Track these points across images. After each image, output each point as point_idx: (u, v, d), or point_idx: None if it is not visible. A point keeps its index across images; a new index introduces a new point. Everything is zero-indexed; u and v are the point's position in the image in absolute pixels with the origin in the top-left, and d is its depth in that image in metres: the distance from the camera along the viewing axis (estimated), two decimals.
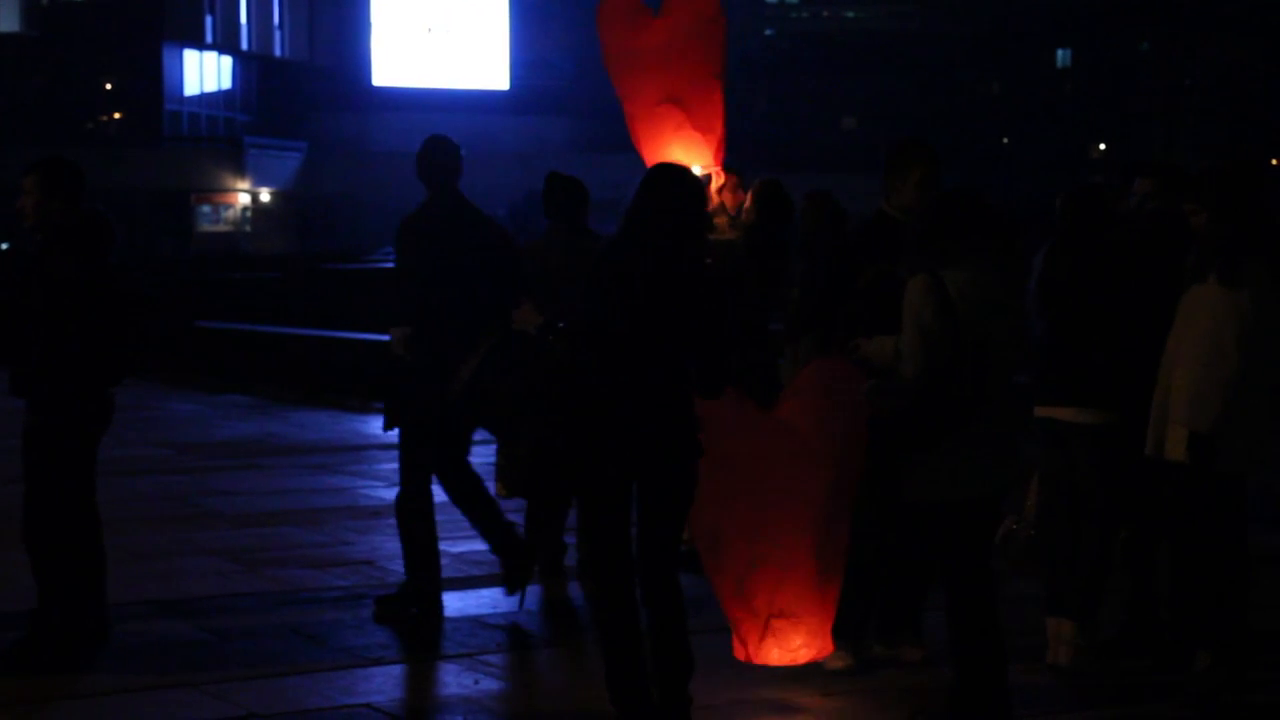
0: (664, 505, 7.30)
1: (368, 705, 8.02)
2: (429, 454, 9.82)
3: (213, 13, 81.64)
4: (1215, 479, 7.91)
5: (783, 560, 8.07)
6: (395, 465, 15.48)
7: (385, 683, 8.42)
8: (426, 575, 9.77)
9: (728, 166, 11.30)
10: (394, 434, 16.64)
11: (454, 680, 8.48)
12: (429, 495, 9.86)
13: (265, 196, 79.17)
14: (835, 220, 12.91)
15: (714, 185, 10.85)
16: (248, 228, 77.08)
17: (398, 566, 11.09)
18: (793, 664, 8.22)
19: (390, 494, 13.98)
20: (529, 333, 8.16)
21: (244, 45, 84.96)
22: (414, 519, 9.88)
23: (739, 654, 8.18)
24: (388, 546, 11.80)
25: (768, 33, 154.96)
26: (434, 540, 9.88)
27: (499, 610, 9.91)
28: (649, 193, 7.35)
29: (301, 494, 14.31)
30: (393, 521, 12.69)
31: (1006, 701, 7.38)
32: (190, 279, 37.45)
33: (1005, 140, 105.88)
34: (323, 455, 16.64)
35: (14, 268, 9.06)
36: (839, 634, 8.41)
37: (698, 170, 10.60)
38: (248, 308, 30.15)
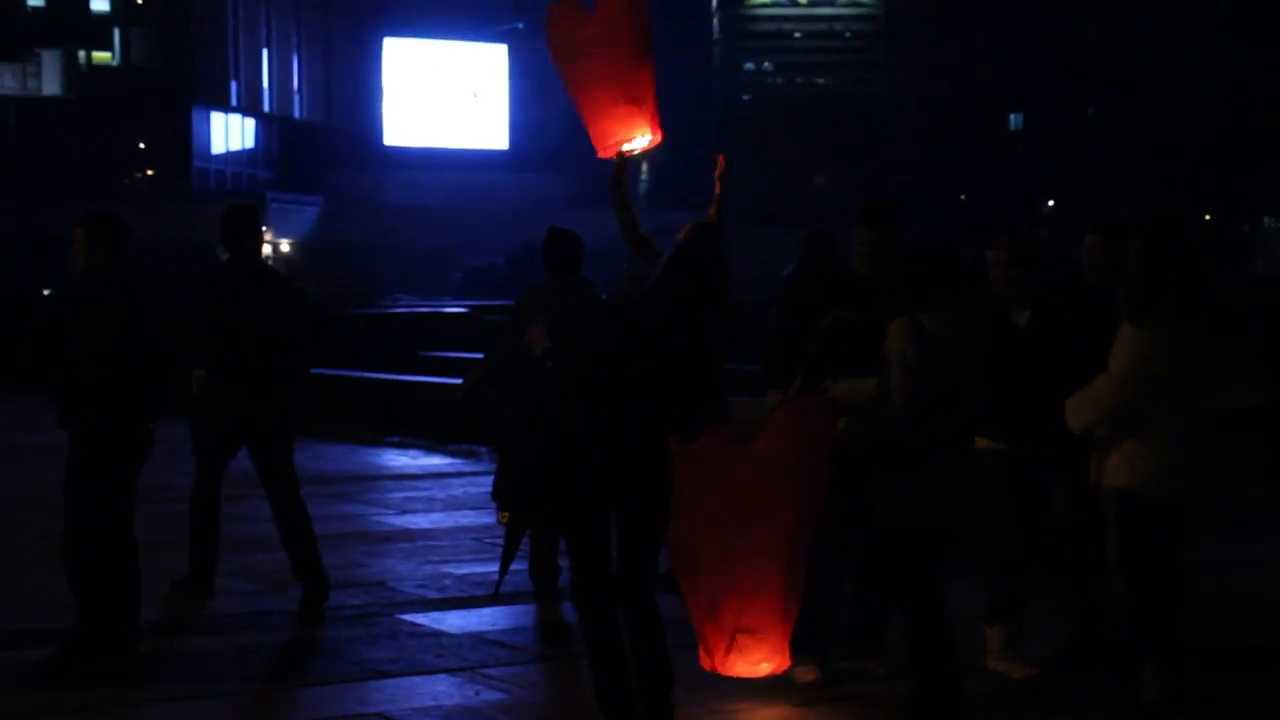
0: (640, 536, 7.39)
1: (380, 714, 8.05)
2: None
3: (237, 78, 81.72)
4: (1155, 501, 7.99)
5: (750, 583, 8.11)
6: (405, 494, 15.67)
7: (395, 693, 8.44)
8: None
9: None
10: (403, 465, 16.73)
11: (457, 691, 8.50)
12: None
13: (285, 246, 79.14)
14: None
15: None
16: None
17: (407, 587, 11.17)
18: (753, 676, 8.25)
19: (400, 521, 14.09)
20: (534, 354, 8.19)
21: (266, 108, 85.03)
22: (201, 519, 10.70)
23: (705, 664, 8.22)
24: (398, 569, 11.85)
25: (745, 98, 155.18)
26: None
27: (498, 627, 9.96)
28: (676, 268, 7.43)
29: (318, 520, 14.19)
30: (403, 545, 12.82)
31: (962, 710, 7.45)
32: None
33: (962, 197, 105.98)
34: (338, 485, 16.63)
35: (60, 311, 9.09)
36: (808, 649, 8.46)
37: (639, 141, 10.86)
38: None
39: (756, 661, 8.19)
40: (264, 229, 9.89)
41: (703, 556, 8.00)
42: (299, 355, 10.72)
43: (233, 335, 10.17)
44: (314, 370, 25.12)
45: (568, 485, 7.39)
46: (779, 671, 8.25)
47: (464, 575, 11.51)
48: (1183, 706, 7.98)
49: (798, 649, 8.43)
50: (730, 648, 8.14)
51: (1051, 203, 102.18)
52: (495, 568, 10.80)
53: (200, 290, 10.51)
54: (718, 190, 9.40)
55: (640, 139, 10.68)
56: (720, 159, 9.84)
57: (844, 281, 8.58)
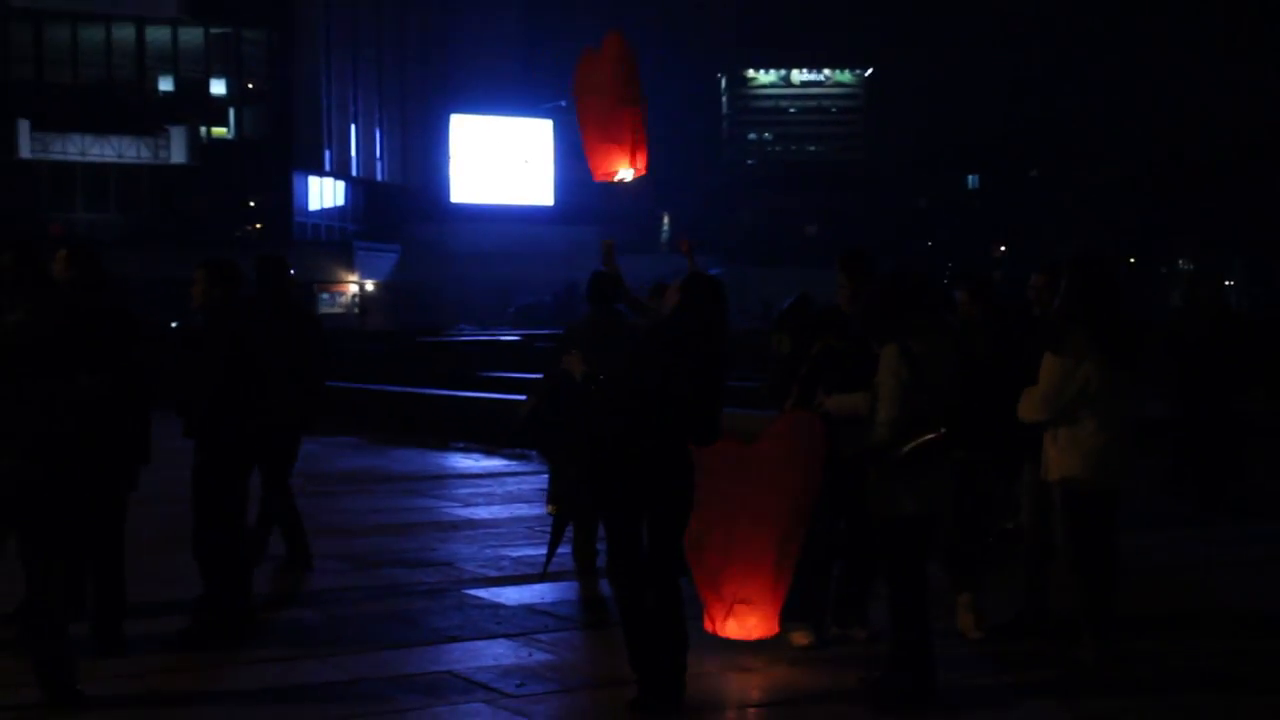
0: (666, 527, 7.37)
1: (449, 672, 8.05)
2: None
3: (330, 147, 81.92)
4: (1090, 494, 7.99)
5: (747, 561, 8.15)
6: (469, 490, 15.66)
7: (462, 655, 8.43)
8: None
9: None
10: (466, 466, 16.66)
11: (513, 653, 8.48)
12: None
13: (369, 286, 79.32)
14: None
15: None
16: (356, 310, 77.19)
17: (471, 567, 11.14)
18: (746, 638, 8.29)
19: (464, 512, 14.07)
20: (575, 380, 8.19)
21: (353, 172, 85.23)
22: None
23: (707, 627, 8.30)
24: (463, 551, 11.83)
25: (750, 162, 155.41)
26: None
27: (547, 600, 9.94)
28: (688, 298, 7.44)
29: (397, 512, 14.32)
30: (467, 532, 12.80)
31: (932, 667, 7.44)
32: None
33: (929, 243, 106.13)
34: (412, 482, 16.65)
35: (184, 341, 9.12)
36: (803, 618, 8.46)
37: (624, 174, 11.27)
38: (358, 370, 30.19)
39: (750, 627, 8.25)
40: (292, 272, 9.75)
41: (708, 538, 8.06)
42: (312, 377, 10.71)
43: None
44: (388, 389, 25.19)
45: (609, 486, 7.41)
46: (767, 636, 8.29)
47: (518, 557, 11.50)
48: (1115, 664, 7.99)
49: (794, 617, 8.47)
50: (729, 615, 8.20)
51: (1003, 248, 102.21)
52: (544, 551, 10.83)
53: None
54: (690, 263, 9.58)
55: (624, 171, 10.97)
56: (684, 244, 10.27)
57: (829, 314, 8.58)
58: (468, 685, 7.79)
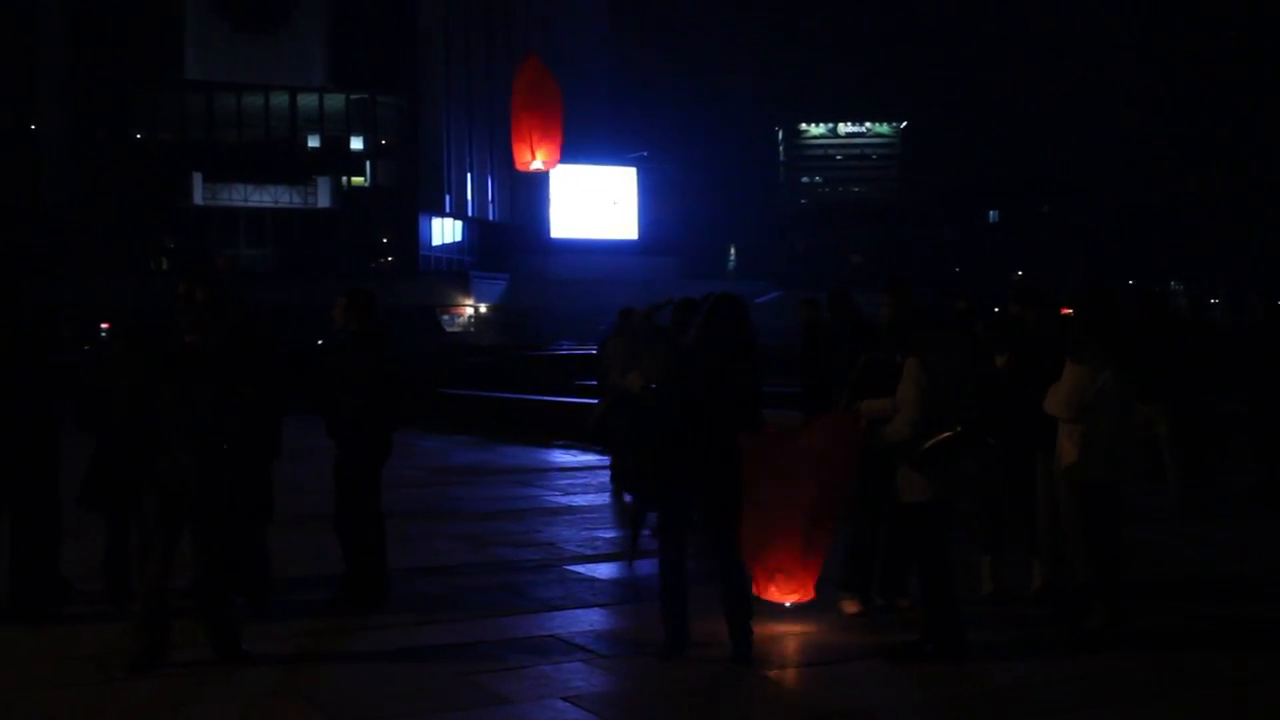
0: (722, 511, 7.46)
1: (552, 636, 8.03)
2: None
3: (450, 192, 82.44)
4: (1101, 484, 7.93)
5: (780, 537, 8.12)
6: (568, 481, 15.66)
7: (563, 622, 8.41)
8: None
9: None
10: (566, 460, 16.62)
11: (607, 621, 8.48)
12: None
13: (484, 309, 79.68)
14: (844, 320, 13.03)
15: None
16: (472, 328, 77.56)
17: (571, 547, 11.12)
18: (783, 602, 8.22)
19: (564, 500, 14.06)
20: (633, 391, 8.29)
21: (469, 212, 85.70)
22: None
23: (756, 591, 8.25)
24: (564, 533, 11.81)
25: (803, 201, 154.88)
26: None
27: (635, 576, 9.91)
28: (717, 316, 7.55)
29: (508, 499, 14.34)
30: (567, 517, 12.78)
31: (961, 629, 7.42)
32: (437, 363, 37.67)
33: (956, 269, 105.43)
34: (521, 474, 16.68)
35: (328, 358, 9.16)
36: (852, 588, 8.42)
37: (536, 164, 12.27)
38: (473, 379, 30.33)
39: (789, 593, 8.21)
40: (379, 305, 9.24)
41: (754, 519, 8.04)
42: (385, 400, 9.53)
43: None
44: (500, 395, 25.20)
45: (664, 474, 7.50)
46: (803, 601, 8.22)
47: (611, 538, 11.47)
48: (1120, 629, 7.89)
49: (845, 588, 8.40)
50: (769, 583, 8.16)
51: (1020, 273, 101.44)
52: (631, 533, 10.78)
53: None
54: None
55: (535, 162, 11.90)
56: (667, 299, 10.60)
57: (871, 331, 8.60)
58: (568, 647, 7.77)
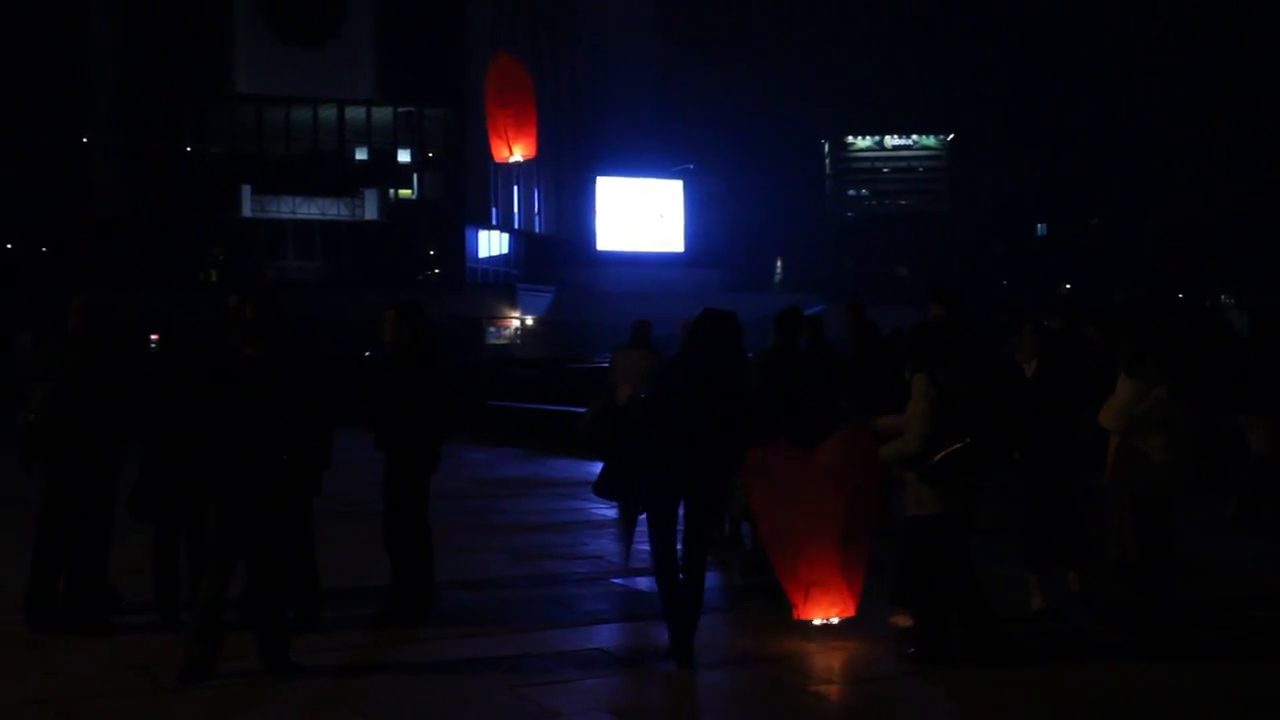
0: (702, 514, 7.77)
1: (600, 649, 8.05)
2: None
3: (496, 205, 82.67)
4: (1153, 500, 7.88)
5: (814, 549, 8.12)
6: None
7: (611, 635, 8.43)
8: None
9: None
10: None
11: (655, 634, 8.43)
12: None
13: (530, 321, 79.85)
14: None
15: None
16: (518, 341, 77.73)
17: (619, 561, 11.05)
18: (826, 620, 8.21)
19: (610, 513, 14.01)
20: (621, 402, 8.46)
21: (516, 225, 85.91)
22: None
23: (795, 615, 8.22)
24: (610, 547, 11.79)
25: (849, 214, 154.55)
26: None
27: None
28: (705, 329, 7.86)
29: (554, 512, 14.36)
30: (612, 530, 12.75)
31: (945, 639, 7.61)
32: (483, 374, 37.75)
33: (1004, 282, 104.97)
34: (567, 488, 16.69)
35: (376, 370, 9.18)
36: (904, 604, 8.39)
37: (514, 157, 12.70)
38: (519, 392, 30.37)
39: (827, 609, 8.19)
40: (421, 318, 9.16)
41: (781, 531, 8.15)
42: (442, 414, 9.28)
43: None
44: (547, 408, 25.21)
45: (651, 481, 7.77)
46: (845, 616, 8.20)
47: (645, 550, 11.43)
48: (1175, 640, 7.85)
49: (897, 602, 8.36)
50: (806, 598, 8.16)
51: (1069, 286, 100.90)
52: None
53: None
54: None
55: (513, 156, 12.30)
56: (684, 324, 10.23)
57: (885, 346, 8.78)
58: (617, 661, 7.77)
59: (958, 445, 7.43)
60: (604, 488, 8.46)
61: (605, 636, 8.37)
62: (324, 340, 10.05)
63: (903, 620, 8.29)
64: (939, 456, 7.45)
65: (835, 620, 8.27)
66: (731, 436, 7.74)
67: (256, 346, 7.45)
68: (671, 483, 7.73)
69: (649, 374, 8.43)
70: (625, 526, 10.48)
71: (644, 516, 8.18)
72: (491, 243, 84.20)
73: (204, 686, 7.14)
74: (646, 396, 8.00)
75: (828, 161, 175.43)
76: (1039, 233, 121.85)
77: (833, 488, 8.10)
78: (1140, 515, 7.94)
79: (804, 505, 8.11)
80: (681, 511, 7.86)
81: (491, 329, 77.16)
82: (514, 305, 79.12)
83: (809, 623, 8.23)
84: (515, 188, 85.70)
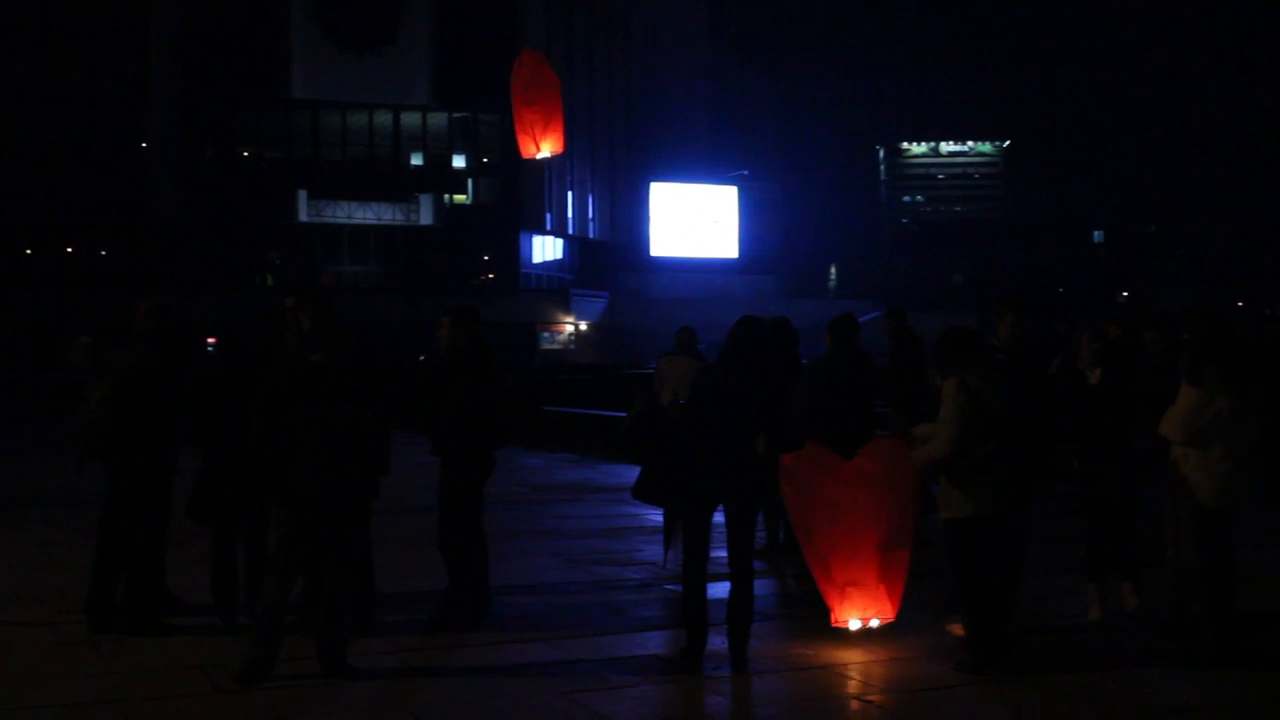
0: (742, 520, 7.89)
1: (654, 655, 8.06)
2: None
3: (550, 211, 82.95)
4: (1214, 511, 7.80)
5: (850, 548, 8.16)
6: None
7: (664, 642, 8.42)
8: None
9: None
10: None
11: (709, 641, 8.46)
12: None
13: (583, 326, 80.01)
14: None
15: None
16: (572, 346, 77.91)
17: (671, 566, 11.04)
18: (864, 624, 8.20)
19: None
20: (664, 406, 8.49)
21: (569, 230, 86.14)
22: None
23: (832, 621, 8.21)
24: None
25: (904, 221, 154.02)
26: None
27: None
28: (743, 336, 7.99)
29: (608, 518, 14.37)
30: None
31: (990, 643, 7.59)
32: (537, 379, 37.85)
33: (1060, 290, 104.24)
34: (621, 493, 16.65)
35: (432, 375, 9.23)
36: (958, 610, 8.37)
37: (543, 153, 12.87)
38: (574, 397, 30.44)
39: (864, 610, 8.18)
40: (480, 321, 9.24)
41: (817, 532, 8.23)
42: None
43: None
44: (600, 413, 25.28)
45: (689, 485, 7.90)
46: (885, 621, 8.21)
47: (711, 558, 11.40)
48: (1234, 653, 7.77)
49: (953, 610, 8.34)
50: (842, 600, 8.16)
51: (1125, 294, 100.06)
52: (724, 554, 10.73)
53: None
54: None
55: (540, 152, 12.23)
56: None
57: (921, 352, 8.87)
58: (670, 667, 7.77)
59: (988, 448, 7.48)
60: (642, 491, 8.49)
61: (658, 642, 8.38)
62: (379, 345, 10.12)
63: (958, 629, 8.26)
64: (969, 459, 7.50)
65: (875, 624, 8.25)
66: (766, 443, 7.74)
67: (322, 353, 7.50)
68: (704, 489, 7.78)
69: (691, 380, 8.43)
70: (667, 530, 10.51)
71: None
72: (545, 248, 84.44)
73: (262, 688, 7.21)
74: (685, 402, 8.05)
75: (883, 168, 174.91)
76: (1095, 240, 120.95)
77: (868, 493, 8.15)
78: (1201, 526, 7.85)
79: (838, 510, 8.17)
80: (724, 519, 7.88)
81: (545, 334, 77.37)
82: (567, 311, 79.31)
83: (847, 629, 8.22)
84: (570, 193, 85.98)
